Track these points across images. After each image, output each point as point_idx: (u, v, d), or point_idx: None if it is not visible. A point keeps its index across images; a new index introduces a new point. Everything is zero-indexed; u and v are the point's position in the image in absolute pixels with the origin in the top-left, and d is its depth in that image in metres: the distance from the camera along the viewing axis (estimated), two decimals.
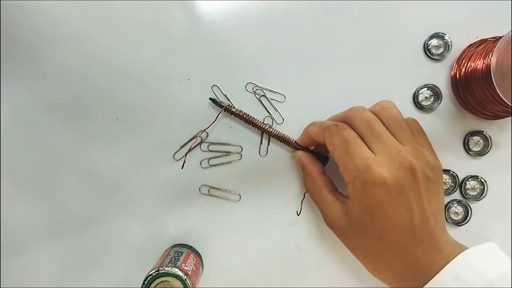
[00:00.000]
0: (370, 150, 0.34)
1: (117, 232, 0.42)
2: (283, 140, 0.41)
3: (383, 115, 0.35)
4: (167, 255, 0.37)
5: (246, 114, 0.41)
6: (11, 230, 0.42)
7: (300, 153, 0.41)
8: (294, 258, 0.43)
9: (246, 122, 0.41)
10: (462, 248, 0.33)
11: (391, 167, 0.32)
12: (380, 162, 0.32)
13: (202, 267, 0.41)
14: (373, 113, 0.36)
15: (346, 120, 0.36)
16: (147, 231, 0.43)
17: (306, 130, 0.40)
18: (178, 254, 0.38)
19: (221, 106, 0.40)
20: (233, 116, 0.41)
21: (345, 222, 0.35)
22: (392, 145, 0.33)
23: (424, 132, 0.38)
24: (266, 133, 0.41)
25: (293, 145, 0.41)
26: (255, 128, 0.41)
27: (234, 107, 0.41)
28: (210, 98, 0.41)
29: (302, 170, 0.41)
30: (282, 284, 0.43)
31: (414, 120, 0.38)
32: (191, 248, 0.41)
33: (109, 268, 0.42)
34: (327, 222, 0.37)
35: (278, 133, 0.41)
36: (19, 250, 0.42)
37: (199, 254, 0.42)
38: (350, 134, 0.34)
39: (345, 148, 0.34)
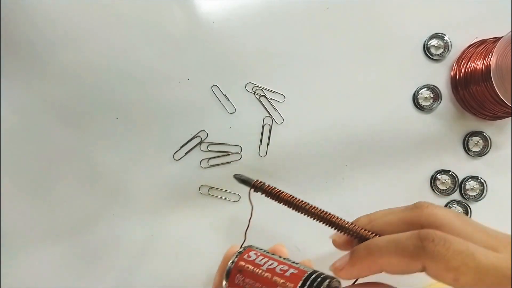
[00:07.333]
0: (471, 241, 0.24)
1: (117, 232, 0.42)
2: (335, 226, 0.28)
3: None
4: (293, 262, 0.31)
5: (280, 191, 0.29)
6: (11, 230, 0.42)
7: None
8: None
9: (280, 202, 0.29)
10: None
11: None
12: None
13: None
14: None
15: (421, 220, 0.25)
16: (147, 231, 0.43)
17: (372, 261, 0.25)
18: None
19: (247, 184, 0.30)
20: (263, 194, 0.30)
21: None
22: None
23: None
24: (313, 216, 0.29)
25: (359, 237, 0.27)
26: (293, 209, 0.29)
27: (264, 183, 0.30)
28: (234, 176, 0.31)
29: None
30: None
31: None
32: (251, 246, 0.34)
33: (109, 268, 0.42)
34: None
35: (330, 216, 0.28)
36: (19, 250, 0.42)
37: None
38: (457, 241, 0.23)
39: (471, 265, 0.22)
